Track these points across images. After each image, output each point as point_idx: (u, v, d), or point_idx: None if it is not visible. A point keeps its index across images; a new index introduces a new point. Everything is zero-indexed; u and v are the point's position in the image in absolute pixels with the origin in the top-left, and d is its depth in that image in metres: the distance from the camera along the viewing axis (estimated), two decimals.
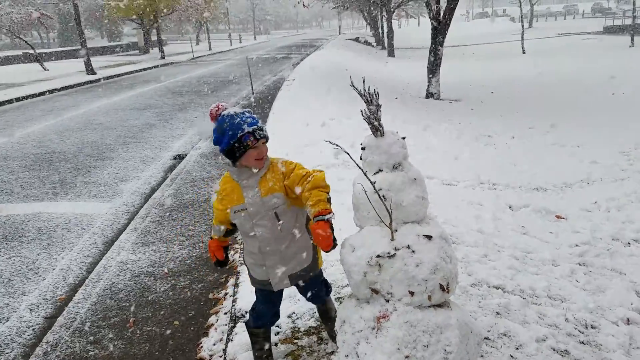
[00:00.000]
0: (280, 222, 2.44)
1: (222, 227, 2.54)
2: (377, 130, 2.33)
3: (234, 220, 2.46)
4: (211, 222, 5.25)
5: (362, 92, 2.32)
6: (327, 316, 2.91)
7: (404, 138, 2.37)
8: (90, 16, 45.68)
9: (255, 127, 2.32)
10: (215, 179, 6.76)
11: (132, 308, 3.80)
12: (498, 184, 5.96)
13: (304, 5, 15.02)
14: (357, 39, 42.28)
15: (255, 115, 2.41)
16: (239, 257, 4.27)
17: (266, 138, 2.38)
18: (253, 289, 2.74)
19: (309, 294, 2.74)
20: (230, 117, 2.33)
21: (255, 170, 2.41)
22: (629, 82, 13.27)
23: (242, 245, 2.75)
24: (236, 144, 2.30)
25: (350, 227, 2.57)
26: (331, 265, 3.86)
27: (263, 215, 2.42)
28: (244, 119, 2.32)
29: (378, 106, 2.32)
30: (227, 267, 2.74)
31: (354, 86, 2.36)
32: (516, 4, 28.77)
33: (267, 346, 2.80)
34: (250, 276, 2.64)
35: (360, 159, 2.42)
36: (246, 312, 3.35)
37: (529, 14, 50.04)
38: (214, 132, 2.38)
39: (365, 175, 2.26)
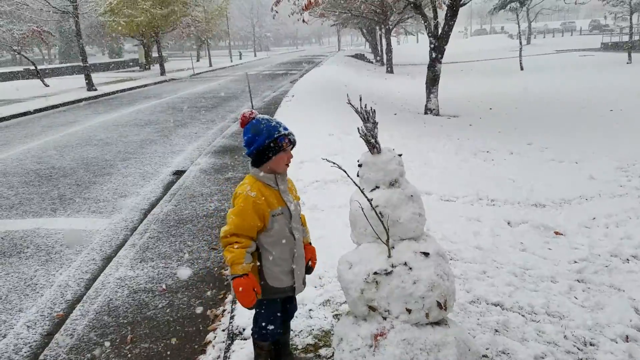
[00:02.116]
0: (303, 227, 2.66)
1: (253, 246, 2.44)
2: (373, 147, 2.35)
3: (272, 224, 2.46)
4: (209, 237, 5.29)
5: (359, 109, 2.34)
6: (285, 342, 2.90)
7: (400, 155, 2.39)
8: (91, 33, 46.01)
9: (289, 131, 2.49)
10: (215, 194, 6.77)
11: (130, 325, 3.79)
12: (496, 200, 5.97)
13: (304, 21, 15.11)
14: (356, 56, 42.56)
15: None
16: None
17: (295, 145, 2.54)
18: None
19: (294, 302, 2.82)
20: (267, 120, 2.48)
21: (282, 178, 2.54)
22: (627, 99, 13.35)
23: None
24: (272, 144, 2.41)
25: (347, 243, 2.57)
26: (329, 282, 3.85)
27: (297, 220, 2.57)
28: (279, 123, 2.49)
29: (375, 123, 2.34)
30: None
31: (350, 104, 2.38)
32: (514, 21, 29.02)
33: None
34: (270, 287, 2.54)
35: (357, 176, 2.44)
36: (244, 330, 3.33)
37: (527, 30, 50.45)
38: (246, 134, 2.48)
39: (362, 192, 2.28)
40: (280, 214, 2.48)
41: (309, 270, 2.76)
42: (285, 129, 2.48)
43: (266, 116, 2.52)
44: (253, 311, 2.73)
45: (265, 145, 2.41)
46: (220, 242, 2.44)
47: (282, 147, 2.44)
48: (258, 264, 2.52)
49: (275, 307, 2.65)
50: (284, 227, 2.50)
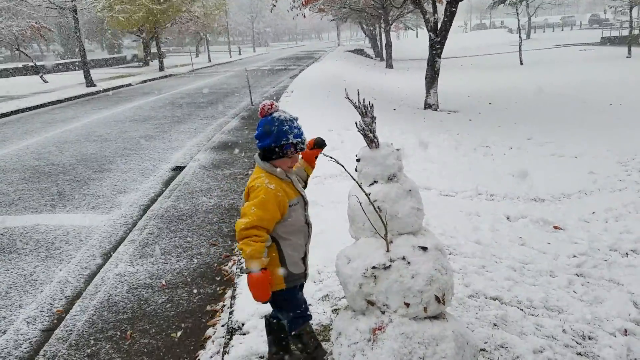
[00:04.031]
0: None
1: (270, 241, 2.43)
2: (372, 142, 2.34)
3: (290, 213, 2.47)
4: (208, 233, 5.29)
5: (357, 104, 2.33)
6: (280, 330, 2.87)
7: (398, 150, 2.39)
8: (90, 29, 45.90)
9: (299, 140, 2.45)
10: (214, 190, 6.77)
11: (130, 320, 3.79)
12: (496, 194, 5.97)
13: (304, 16, 15.12)
14: (355, 51, 42.49)
15: (300, 126, 2.50)
16: (236, 268, 4.27)
17: (303, 150, 2.53)
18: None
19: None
20: (280, 122, 2.43)
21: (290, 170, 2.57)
22: (627, 93, 13.33)
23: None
24: (276, 149, 2.42)
25: (346, 239, 2.57)
26: (328, 277, 3.86)
27: (307, 208, 2.61)
28: (292, 128, 2.44)
29: (373, 118, 2.34)
30: None
31: (348, 98, 2.38)
32: (514, 15, 28.96)
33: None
34: (291, 275, 2.54)
35: (356, 170, 2.44)
36: (243, 325, 3.34)
37: (527, 25, 50.34)
38: (258, 127, 2.48)
39: (360, 187, 2.27)
40: (296, 203, 2.52)
41: (320, 142, 2.74)
42: (297, 135, 2.44)
43: (283, 116, 2.44)
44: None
45: (271, 147, 2.42)
46: (238, 235, 2.36)
47: (286, 154, 2.43)
48: (269, 257, 2.47)
49: (297, 291, 2.68)
50: (300, 216, 2.54)
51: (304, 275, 2.67)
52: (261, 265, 2.32)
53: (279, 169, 2.48)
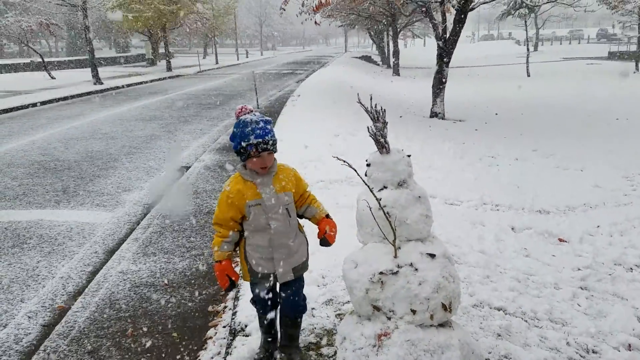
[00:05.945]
0: (290, 217, 2.66)
1: (232, 236, 2.63)
2: (382, 147, 2.34)
3: (249, 214, 2.57)
4: (211, 234, 5.28)
5: (369, 109, 2.33)
6: (291, 336, 2.93)
7: (409, 156, 2.38)
8: (99, 27, 46.08)
9: (260, 140, 2.47)
10: (218, 191, 6.77)
11: (131, 319, 3.78)
12: (501, 205, 5.95)
13: (315, 22, 15.09)
14: (362, 58, 42.56)
15: (268, 127, 2.54)
16: (239, 269, 4.25)
17: (270, 151, 2.53)
18: None
19: (289, 292, 2.78)
20: (243, 124, 2.50)
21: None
22: (633, 108, 13.32)
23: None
24: (241, 150, 2.50)
25: (353, 243, 2.57)
26: (332, 282, 3.84)
27: (277, 210, 2.59)
28: (254, 129, 2.47)
29: (384, 123, 2.34)
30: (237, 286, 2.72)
31: (360, 103, 2.38)
32: (522, 27, 28.99)
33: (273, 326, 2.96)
34: (252, 271, 2.68)
35: (365, 175, 2.43)
36: (246, 326, 3.34)
37: (535, 37, 50.37)
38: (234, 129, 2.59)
39: (371, 191, 2.27)
40: (257, 204, 2.57)
41: (324, 242, 2.78)
42: (259, 136, 2.46)
43: (249, 118, 2.51)
44: (254, 309, 2.90)
45: (238, 149, 2.53)
46: None
47: (250, 155, 2.50)
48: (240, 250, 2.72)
49: (260, 291, 2.76)
50: (259, 217, 2.58)
51: (274, 277, 2.67)
52: (217, 258, 2.63)
53: (247, 170, 2.59)
